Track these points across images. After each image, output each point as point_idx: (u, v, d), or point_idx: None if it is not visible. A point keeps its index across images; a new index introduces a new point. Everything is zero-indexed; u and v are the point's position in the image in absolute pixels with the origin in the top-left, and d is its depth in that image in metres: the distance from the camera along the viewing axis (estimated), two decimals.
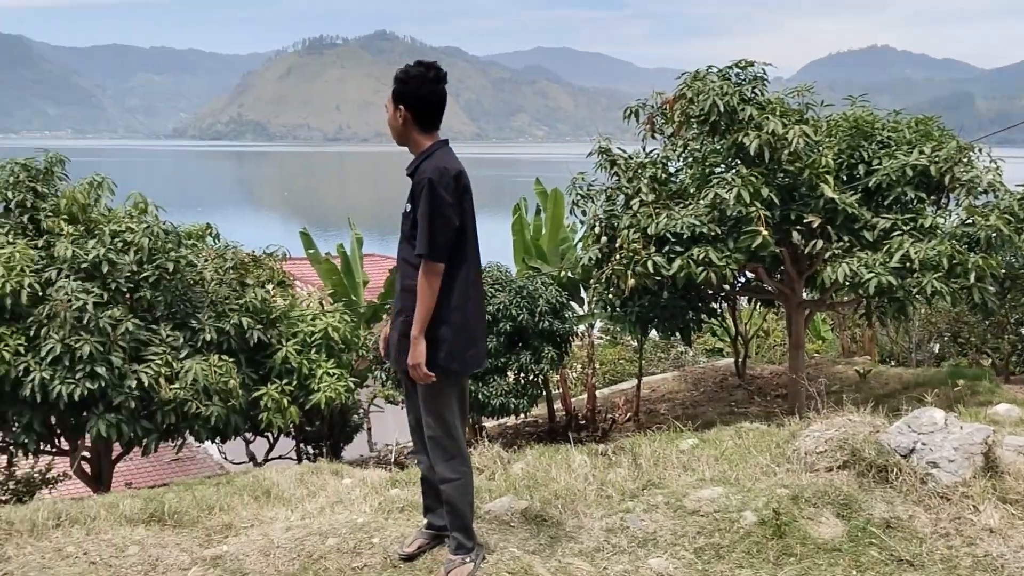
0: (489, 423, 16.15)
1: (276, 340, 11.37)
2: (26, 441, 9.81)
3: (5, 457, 10.77)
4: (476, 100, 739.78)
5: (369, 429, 16.69)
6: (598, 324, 18.53)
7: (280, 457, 13.40)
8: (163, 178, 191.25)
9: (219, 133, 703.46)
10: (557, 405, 16.58)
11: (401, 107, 3.89)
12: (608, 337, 22.61)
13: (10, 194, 10.86)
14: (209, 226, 12.31)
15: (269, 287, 12.20)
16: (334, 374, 11.38)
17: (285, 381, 11.07)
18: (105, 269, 9.92)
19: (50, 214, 10.78)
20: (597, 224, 12.43)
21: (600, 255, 12.30)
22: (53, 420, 10.14)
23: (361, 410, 15.39)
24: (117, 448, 11.13)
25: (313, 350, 11.58)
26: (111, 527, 4.38)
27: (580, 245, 14.94)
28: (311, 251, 17.18)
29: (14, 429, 9.91)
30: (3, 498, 10.66)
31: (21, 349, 9.34)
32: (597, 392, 16.82)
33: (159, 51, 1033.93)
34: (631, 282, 11.41)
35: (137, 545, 4.25)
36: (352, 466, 6.78)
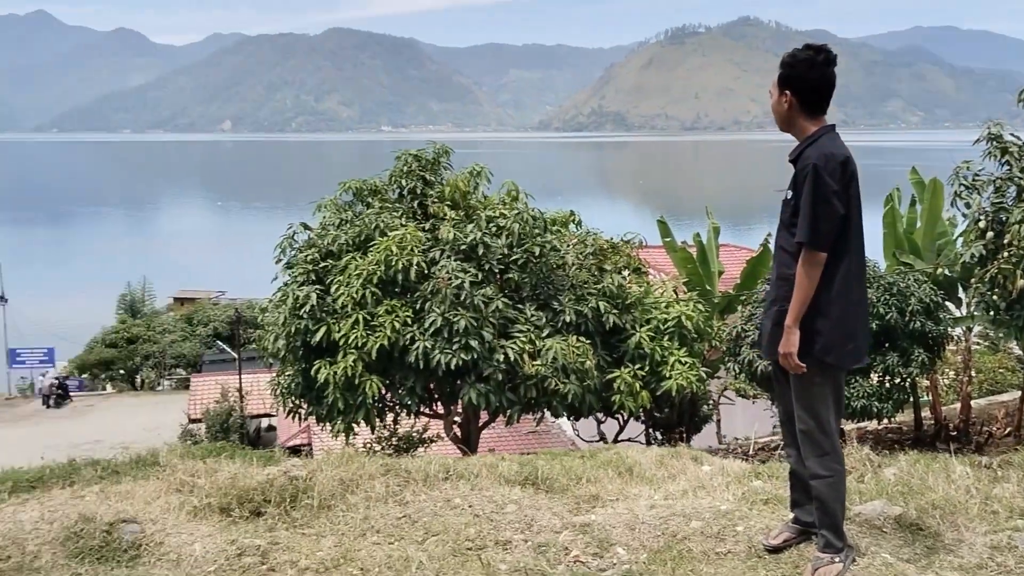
0: (848, 425, 15.30)
1: (630, 325, 11.63)
2: (409, 403, 10.99)
3: (391, 415, 12.10)
4: (844, 85, 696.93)
5: (718, 421, 16.54)
6: (976, 328, 16.77)
7: (629, 440, 13.73)
8: (529, 168, 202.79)
9: (581, 125, 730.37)
10: (925, 412, 15.29)
11: (787, 92, 3.81)
12: (987, 343, 20.42)
13: (403, 181, 12.19)
14: (572, 213, 12.88)
15: (625, 273, 12.51)
16: (686, 362, 11.42)
17: (638, 366, 11.31)
18: (481, 251, 10.80)
19: (435, 200, 11.92)
20: (983, 218, 11.24)
21: (984, 252, 11.12)
22: (432, 386, 11.23)
23: (711, 401, 15.30)
24: (484, 416, 12.08)
25: (666, 337, 11.70)
26: (491, 485, 4.83)
27: (961, 240, 13.59)
28: (667, 239, 17.31)
29: (400, 391, 11.10)
30: (386, 452, 12.02)
31: (408, 320, 10.45)
32: (972, 402, 15.25)
33: (530, 48, 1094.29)
34: (1020, 283, 10.22)
35: (514, 504, 4.63)
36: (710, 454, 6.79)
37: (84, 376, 44.97)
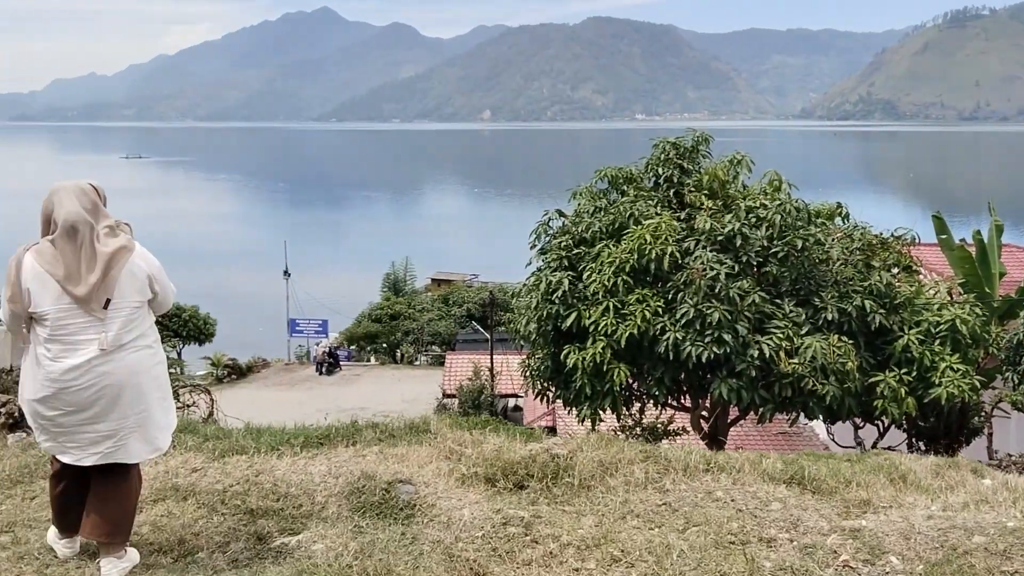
0: None
1: (898, 327, 10.86)
2: (656, 393, 10.89)
3: (638, 405, 12.07)
4: None
5: (990, 434, 15.11)
6: None
7: (889, 448, 12.86)
8: (789, 157, 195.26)
9: (846, 113, 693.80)
10: None
11: None
12: None
13: (660, 169, 12.07)
14: (840, 205, 12.20)
15: (895, 271, 11.69)
16: (958, 370, 10.50)
17: (904, 370, 10.53)
18: (738, 242, 10.47)
19: (692, 189, 11.69)
20: None
21: None
22: (681, 377, 11.07)
23: (983, 412, 14.00)
24: (733, 412, 11.75)
25: (937, 341, 10.81)
26: (754, 481, 4.70)
27: None
28: (943, 236, 16.00)
29: (648, 381, 11.02)
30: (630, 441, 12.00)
31: (659, 310, 10.33)
32: None
33: (794, 33, 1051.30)
34: None
35: (779, 502, 4.48)
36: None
37: (352, 347, 48.54)
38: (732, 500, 4.50)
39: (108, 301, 3.78)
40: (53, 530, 4.15)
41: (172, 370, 20.96)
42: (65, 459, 3.94)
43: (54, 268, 3.71)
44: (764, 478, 4.72)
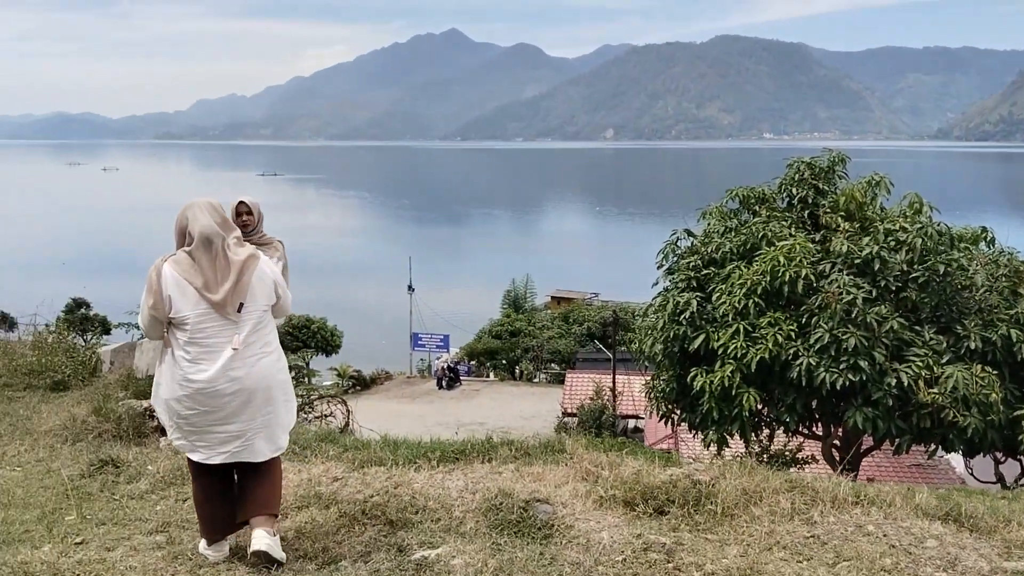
0: None
1: None
2: (787, 420, 10.60)
3: (767, 431, 11.78)
4: None
5: None
6: None
7: None
8: (925, 179, 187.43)
9: (986, 133, 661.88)
10: None
11: None
12: None
13: (794, 190, 11.81)
14: (984, 230, 11.63)
15: None
16: None
17: None
18: (876, 266, 10.12)
19: (828, 210, 11.38)
20: None
21: None
22: (813, 404, 10.74)
23: None
24: (866, 442, 11.32)
25: None
26: (907, 516, 4.50)
27: None
28: None
29: (778, 407, 10.75)
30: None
31: (792, 334, 10.08)
32: None
33: (931, 51, 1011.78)
34: None
35: (935, 540, 4.29)
36: None
37: (472, 362, 49.10)
38: (884, 535, 4.32)
39: (241, 305, 4.11)
40: (203, 542, 4.39)
41: (304, 380, 21.72)
42: (195, 457, 4.24)
43: (192, 276, 4.05)
44: (917, 513, 4.50)
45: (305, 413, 10.09)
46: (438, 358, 45.29)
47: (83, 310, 51.25)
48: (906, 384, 9.59)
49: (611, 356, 32.50)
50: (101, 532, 4.72)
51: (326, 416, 10.75)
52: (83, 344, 11.89)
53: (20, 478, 5.87)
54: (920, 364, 9.74)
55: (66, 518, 4.97)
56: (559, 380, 41.29)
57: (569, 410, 29.72)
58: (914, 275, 10.21)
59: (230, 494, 4.34)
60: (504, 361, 48.78)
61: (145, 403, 7.00)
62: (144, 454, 6.18)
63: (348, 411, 11.13)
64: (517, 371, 48.06)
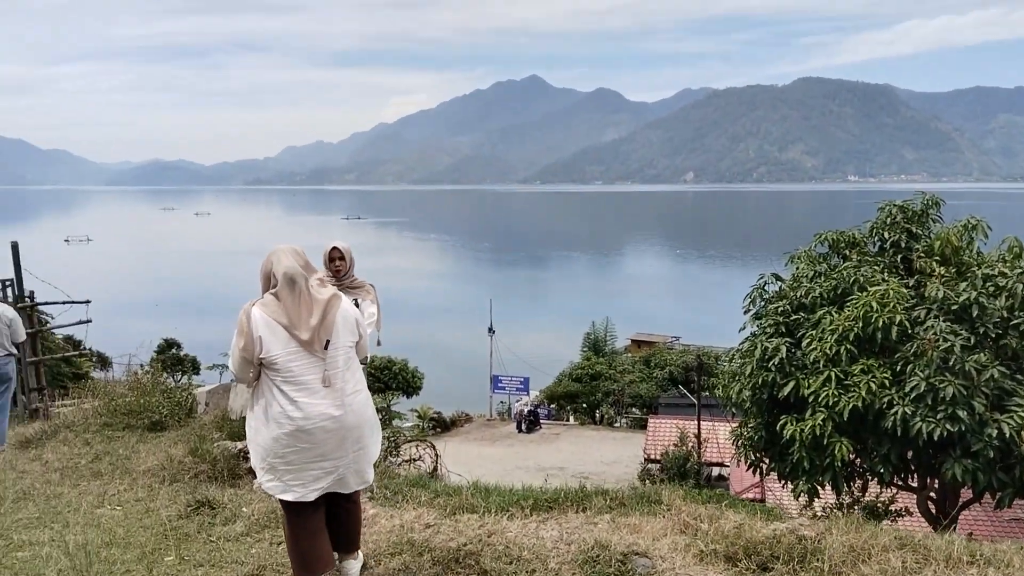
0: None
1: None
2: (882, 471, 10.24)
3: (859, 482, 11.41)
4: None
5: None
6: None
7: None
8: (1021, 222, 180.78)
9: None
10: None
11: None
12: None
13: (886, 234, 11.54)
14: None
15: None
16: None
17: None
18: (975, 312, 9.79)
19: (922, 255, 11.09)
20: None
21: None
22: (908, 455, 10.39)
23: None
24: (964, 494, 10.88)
25: None
26: None
27: None
28: None
29: (872, 457, 10.41)
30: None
31: (886, 382, 9.78)
32: None
33: (1023, 91, 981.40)
34: None
35: None
36: None
37: (552, 406, 48.91)
38: None
39: (328, 343, 4.25)
40: None
41: (389, 423, 21.90)
42: (287, 497, 4.32)
43: (280, 316, 4.21)
44: None
45: (393, 457, 10.15)
46: (518, 400, 45.27)
47: (174, 350, 52.90)
48: (1008, 435, 9.18)
49: (695, 401, 31.99)
50: (199, 574, 4.83)
51: (415, 460, 10.79)
52: (175, 384, 12.22)
53: (121, 517, 6.04)
54: (1023, 414, 9.34)
55: (165, 559, 5.10)
56: (640, 425, 40.80)
57: (652, 456, 29.30)
58: (1015, 322, 9.83)
59: (323, 534, 4.42)
60: (584, 405, 48.46)
61: (240, 444, 7.15)
62: (239, 496, 6.31)
63: (437, 455, 11.16)
64: (597, 415, 47.67)
